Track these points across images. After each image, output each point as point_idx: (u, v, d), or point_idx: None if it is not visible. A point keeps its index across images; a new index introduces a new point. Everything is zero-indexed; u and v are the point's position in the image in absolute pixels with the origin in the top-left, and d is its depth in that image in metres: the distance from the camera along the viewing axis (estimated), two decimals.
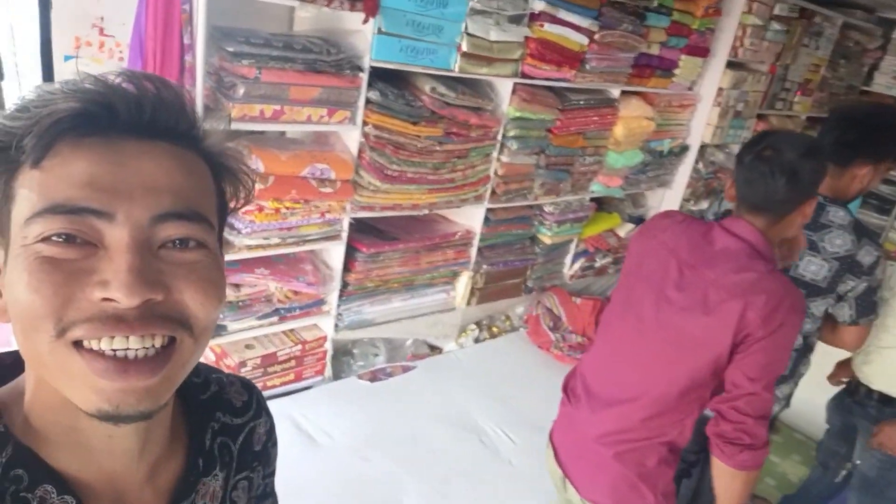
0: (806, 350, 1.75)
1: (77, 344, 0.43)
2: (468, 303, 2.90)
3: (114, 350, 0.43)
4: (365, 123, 2.12)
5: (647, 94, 3.10)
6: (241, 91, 1.79)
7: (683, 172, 3.47)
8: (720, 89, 3.27)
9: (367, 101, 2.09)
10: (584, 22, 2.52)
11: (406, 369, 2.60)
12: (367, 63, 2.02)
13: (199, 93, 1.72)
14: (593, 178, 3.07)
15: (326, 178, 2.07)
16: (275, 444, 0.71)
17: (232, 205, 0.55)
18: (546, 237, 3.05)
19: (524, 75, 2.49)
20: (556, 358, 2.92)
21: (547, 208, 3.00)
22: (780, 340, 1.30)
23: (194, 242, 0.48)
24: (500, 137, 2.56)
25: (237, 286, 2.07)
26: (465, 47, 2.22)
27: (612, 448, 1.45)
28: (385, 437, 2.22)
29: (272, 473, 0.72)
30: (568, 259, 3.28)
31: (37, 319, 0.43)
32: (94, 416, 0.44)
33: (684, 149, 3.41)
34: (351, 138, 2.14)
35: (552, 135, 2.72)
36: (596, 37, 2.60)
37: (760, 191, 1.36)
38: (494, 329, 3.16)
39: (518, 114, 2.54)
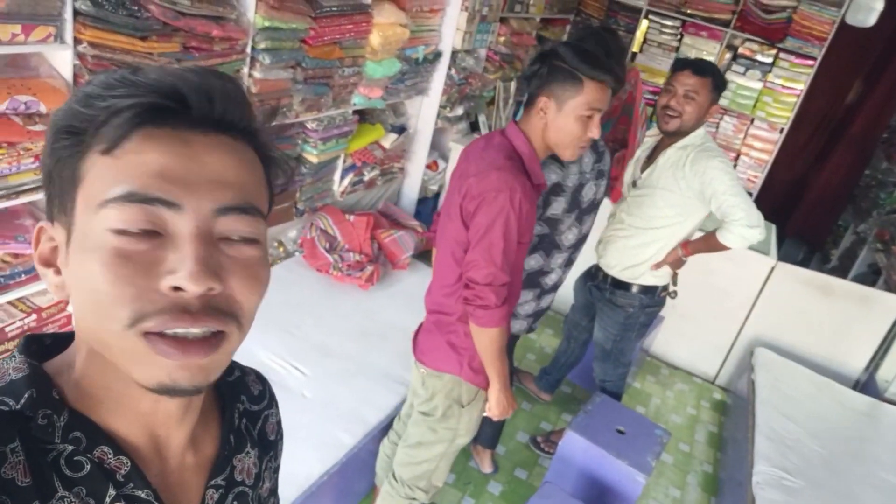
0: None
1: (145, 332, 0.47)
2: None
3: (175, 333, 0.47)
4: (78, 41, 1.72)
5: (399, 0, 3.01)
6: None
7: (438, 79, 3.51)
8: None
9: (77, 14, 1.69)
10: None
11: None
12: None
13: None
14: (354, 90, 2.95)
15: (35, 113, 1.66)
16: (282, 438, 0.75)
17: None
18: (312, 156, 2.90)
19: None
20: (335, 279, 2.88)
21: (310, 125, 2.83)
22: (487, 216, 1.50)
23: (251, 237, 0.51)
24: (248, 51, 2.29)
25: None
26: None
27: (433, 316, 1.74)
28: None
29: (278, 469, 0.75)
30: (337, 176, 3.18)
31: (110, 309, 0.46)
32: (153, 390, 0.48)
33: (438, 55, 3.44)
34: (62, 60, 1.73)
35: (307, 46, 2.52)
36: None
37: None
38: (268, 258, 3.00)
39: (267, 23, 2.28)
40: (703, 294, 3.32)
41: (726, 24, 4.74)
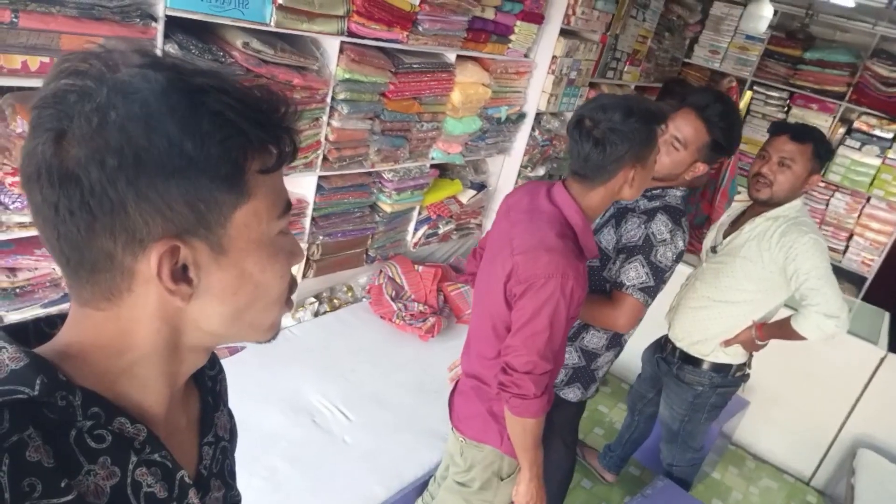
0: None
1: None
2: (305, 275, 2.75)
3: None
4: None
5: (484, 60, 3.08)
6: None
7: (521, 139, 3.51)
8: (554, 57, 3.33)
9: (164, 55, 1.84)
10: None
11: (233, 351, 2.42)
12: (161, 11, 1.77)
13: None
14: (432, 144, 3.01)
15: None
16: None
17: None
18: (386, 205, 2.96)
19: (351, 34, 2.34)
20: (398, 328, 2.87)
21: (386, 175, 2.90)
22: (534, 303, 1.36)
23: None
24: (329, 100, 2.40)
25: (12, 270, 1.77)
26: None
27: (471, 381, 1.63)
28: None
29: None
30: (411, 227, 3.22)
31: (280, 295, 0.60)
32: (270, 339, 0.62)
33: (521, 116, 3.45)
34: None
35: (386, 99, 2.61)
36: None
37: (576, 156, 1.46)
38: (336, 301, 3.04)
39: (348, 75, 2.39)
40: (798, 380, 2.99)
41: (840, 96, 4.46)
